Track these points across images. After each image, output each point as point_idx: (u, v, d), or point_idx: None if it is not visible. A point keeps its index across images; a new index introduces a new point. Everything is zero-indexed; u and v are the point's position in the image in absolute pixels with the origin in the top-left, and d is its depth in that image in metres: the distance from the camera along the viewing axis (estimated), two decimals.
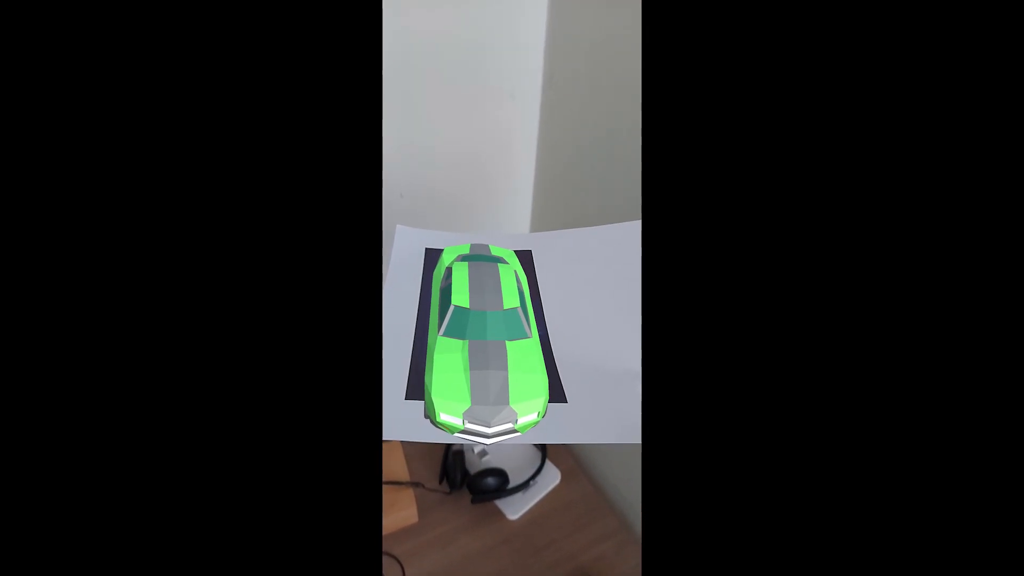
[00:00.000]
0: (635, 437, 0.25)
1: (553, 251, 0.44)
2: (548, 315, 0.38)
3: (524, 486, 0.83)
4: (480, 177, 0.80)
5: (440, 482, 0.86)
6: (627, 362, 0.32)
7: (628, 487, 0.83)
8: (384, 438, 0.28)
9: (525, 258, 0.43)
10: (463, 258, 0.40)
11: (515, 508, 0.82)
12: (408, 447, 0.91)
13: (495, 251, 0.42)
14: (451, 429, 0.29)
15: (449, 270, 0.38)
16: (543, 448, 0.90)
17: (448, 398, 0.30)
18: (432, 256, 0.42)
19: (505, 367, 0.31)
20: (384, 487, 0.82)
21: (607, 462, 0.88)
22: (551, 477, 0.87)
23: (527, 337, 0.34)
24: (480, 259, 0.40)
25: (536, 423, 0.30)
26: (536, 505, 0.83)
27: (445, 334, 0.33)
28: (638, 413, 0.22)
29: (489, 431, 0.29)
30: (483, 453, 0.86)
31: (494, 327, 0.33)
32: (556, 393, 0.32)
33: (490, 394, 0.30)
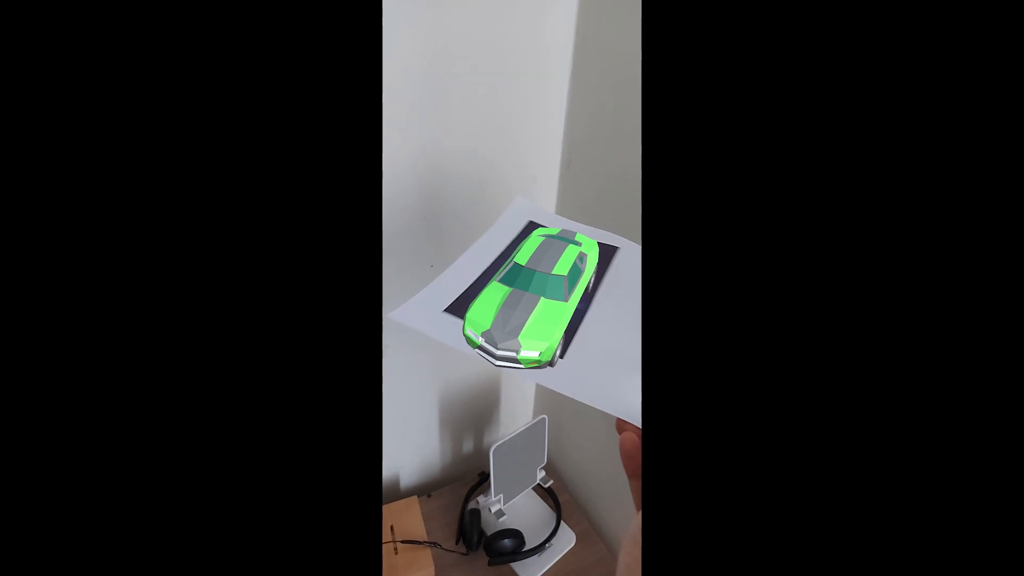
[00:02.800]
0: (631, 416, 0.31)
1: (636, 259, 0.48)
2: (596, 303, 0.43)
3: (540, 548, 0.84)
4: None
5: (457, 542, 0.87)
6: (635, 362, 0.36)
7: None
8: (412, 326, 0.36)
9: (607, 252, 0.48)
10: (545, 235, 0.47)
11: (531, 571, 0.83)
12: (424, 506, 0.93)
13: (580, 238, 0.48)
14: (472, 343, 0.37)
15: (527, 240, 0.46)
16: (558, 510, 0.92)
17: (476, 319, 0.38)
18: (527, 229, 0.49)
19: (529, 313, 0.39)
20: (402, 546, 0.84)
21: (621, 525, 0.89)
22: (566, 540, 0.88)
23: (563, 301, 0.41)
24: (558, 238, 0.46)
25: (539, 363, 0.37)
26: (552, 568, 0.84)
27: (499, 281, 0.41)
28: (636, 399, 0.24)
29: (496, 352, 0.36)
30: (500, 513, 0.88)
31: (537, 284, 0.41)
32: (563, 350, 0.38)
33: (507, 326, 0.37)
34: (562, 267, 0.43)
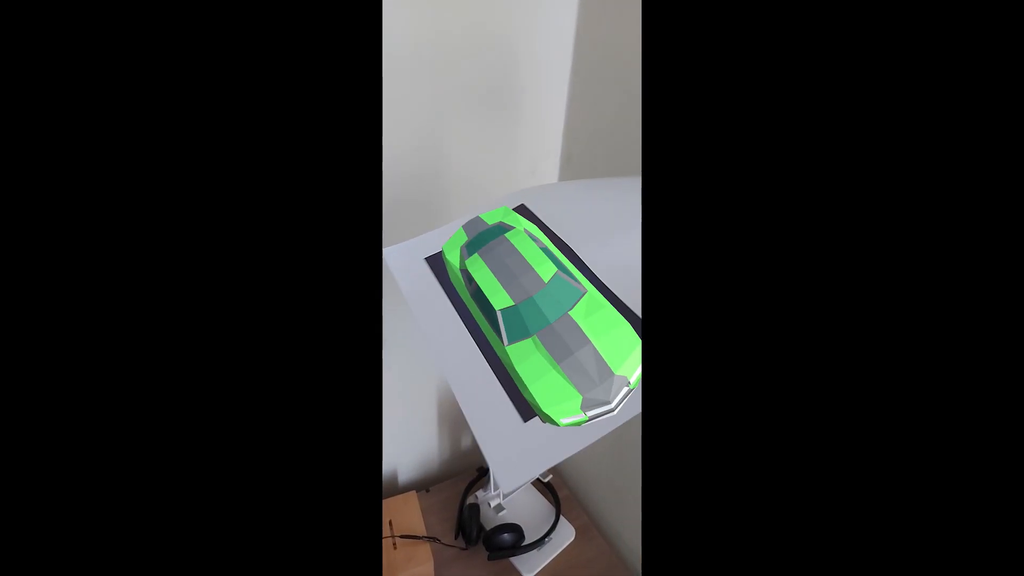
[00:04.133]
0: None
1: (545, 197, 0.40)
2: (581, 253, 0.35)
3: (539, 543, 0.84)
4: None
5: (456, 537, 0.87)
6: None
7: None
8: (522, 483, 0.26)
9: (522, 212, 0.39)
10: (469, 248, 0.36)
11: (531, 566, 0.82)
12: (423, 501, 0.92)
13: (490, 218, 0.38)
14: (582, 422, 0.29)
15: (467, 273, 0.35)
16: (557, 504, 0.91)
17: (558, 401, 0.29)
18: (436, 265, 0.38)
19: (586, 339, 0.30)
20: (401, 541, 0.83)
21: (621, 519, 0.89)
22: (566, 534, 0.88)
23: (583, 293, 0.32)
24: (486, 239, 0.36)
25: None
26: (551, 563, 0.84)
27: (511, 342, 0.31)
28: None
29: (613, 403, 0.28)
30: (499, 508, 0.88)
31: (549, 306, 0.32)
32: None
33: (591, 375, 0.29)
34: (541, 265, 0.33)
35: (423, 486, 0.97)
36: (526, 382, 0.30)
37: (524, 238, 0.35)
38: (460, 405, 0.31)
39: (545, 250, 0.35)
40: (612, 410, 0.29)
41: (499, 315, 0.32)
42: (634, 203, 0.36)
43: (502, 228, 0.37)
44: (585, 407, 0.29)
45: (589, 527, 0.90)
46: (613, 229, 0.36)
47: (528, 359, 0.30)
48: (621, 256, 0.33)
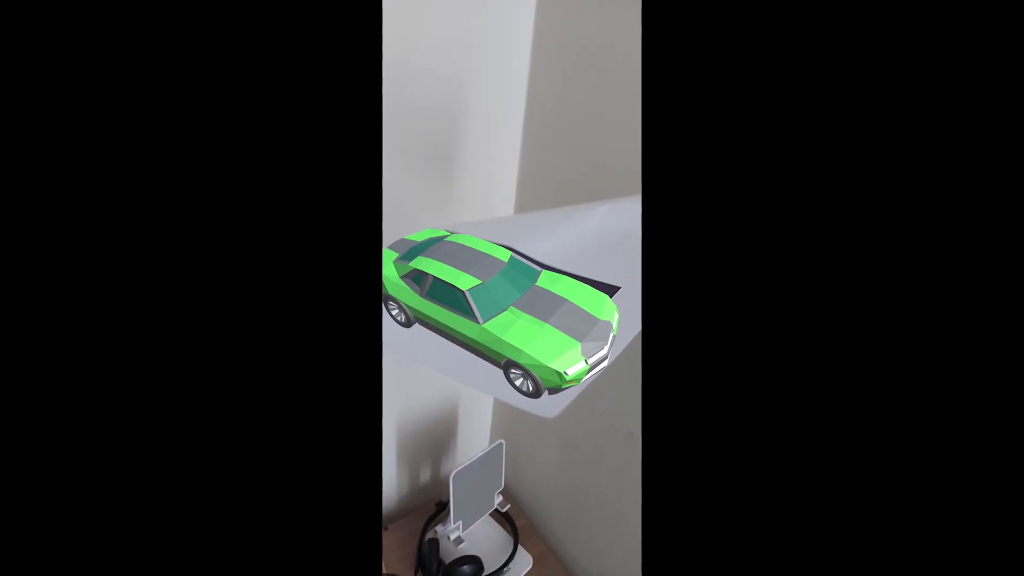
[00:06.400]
0: None
1: (468, 225, 0.42)
2: (517, 246, 0.37)
3: (498, 573, 0.86)
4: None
5: (416, 573, 0.87)
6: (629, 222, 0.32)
7: (598, 569, 0.87)
8: (565, 405, 0.26)
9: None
10: (407, 257, 0.36)
11: None
12: (383, 537, 0.92)
13: (416, 237, 0.39)
14: (579, 377, 0.28)
15: (417, 272, 0.34)
16: (515, 533, 0.94)
17: (558, 353, 0.28)
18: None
19: (563, 299, 0.31)
20: None
21: (577, 545, 0.92)
22: (524, 562, 0.90)
23: (539, 271, 0.34)
24: (423, 248, 0.36)
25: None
26: None
27: (487, 319, 0.30)
28: None
29: (607, 349, 0.29)
30: (459, 540, 0.89)
31: (515, 279, 0.32)
32: (607, 288, 0.33)
33: (582, 324, 0.30)
34: (496, 249, 0.34)
35: (381, 524, 0.97)
36: (519, 346, 0.29)
37: (468, 237, 0.36)
38: (469, 386, 0.31)
39: (491, 243, 0.36)
40: (606, 356, 0.29)
41: (467, 295, 0.31)
42: (551, 216, 0.40)
43: (434, 240, 0.37)
44: (586, 352, 0.29)
45: (547, 555, 0.93)
46: (534, 229, 0.39)
47: (513, 326, 0.30)
48: (551, 244, 0.36)
